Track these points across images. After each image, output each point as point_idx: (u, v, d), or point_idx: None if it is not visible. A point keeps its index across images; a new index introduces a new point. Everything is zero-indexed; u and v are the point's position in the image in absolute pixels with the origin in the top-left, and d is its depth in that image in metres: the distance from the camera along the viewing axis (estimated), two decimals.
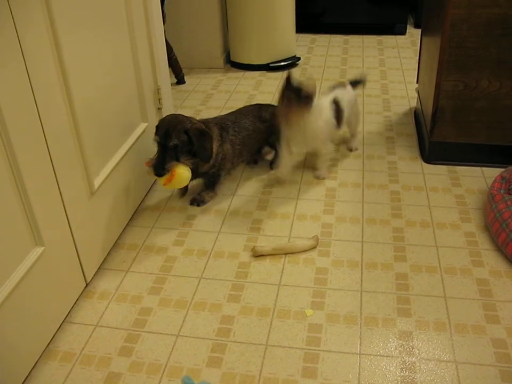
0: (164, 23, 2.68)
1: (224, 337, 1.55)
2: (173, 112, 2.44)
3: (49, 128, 1.45)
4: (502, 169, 2.08)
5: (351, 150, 2.52)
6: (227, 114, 2.30)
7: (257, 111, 2.31)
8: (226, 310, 1.65)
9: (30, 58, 1.34)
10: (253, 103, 2.55)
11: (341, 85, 2.42)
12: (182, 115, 2.05)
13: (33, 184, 1.38)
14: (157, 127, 1.98)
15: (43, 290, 1.48)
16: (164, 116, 2.11)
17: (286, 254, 1.87)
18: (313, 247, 1.89)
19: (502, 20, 2.03)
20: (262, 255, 1.85)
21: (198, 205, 2.15)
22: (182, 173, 1.94)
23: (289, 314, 1.62)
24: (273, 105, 2.36)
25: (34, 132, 1.39)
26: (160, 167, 1.90)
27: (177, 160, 1.93)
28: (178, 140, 1.92)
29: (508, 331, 1.54)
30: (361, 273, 1.77)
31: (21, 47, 1.30)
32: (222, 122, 2.16)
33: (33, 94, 1.37)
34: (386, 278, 1.75)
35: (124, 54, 1.92)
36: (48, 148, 1.45)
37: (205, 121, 2.11)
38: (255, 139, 2.27)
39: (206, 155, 2.01)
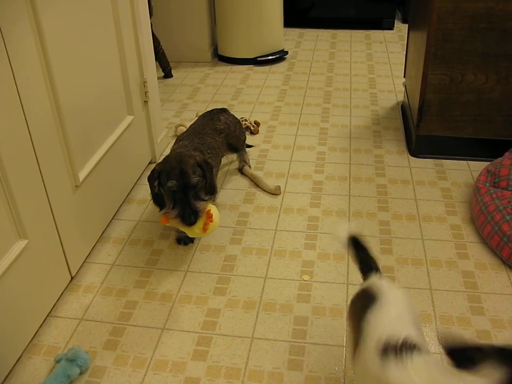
0: (150, 16, 2.66)
1: (209, 330, 1.55)
2: (159, 106, 2.44)
3: (33, 121, 1.43)
4: (488, 163, 2.10)
5: None
6: (188, 136, 1.95)
7: (212, 124, 2.06)
8: (212, 303, 1.64)
9: (13, 50, 1.32)
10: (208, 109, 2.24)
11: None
12: (180, 150, 1.80)
13: (17, 176, 1.37)
14: (160, 172, 1.65)
15: (27, 284, 1.46)
16: (158, 162, 1.72)
17: (253, 182, 2.22)
18: (274, 194, 2.16)
19: (487, 14, 2.04)
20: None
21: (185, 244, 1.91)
22: (216, 211, 1.66)
23: (275, 307, 1.62)
24: (221, 110, 2.18)
25: (18, 125, 1.37)
26: (191, 213, 1.58)
27: (201, 199, 1.63)
28: (198, 176, 1.64)
29: (493, 322, 1.55)
30: (348, 265, 1.78)
31: (2, 37, 1.28)
32: (197, 148, 1.86)
33: (16, 87, 1.35)
34: None
35: (110, 46, 1.90)
36: (31, 140, 1.43)
37: (188, 150, 1.83)
38: (221, 155, 2.08)
39: (213, 187, 1.75)
